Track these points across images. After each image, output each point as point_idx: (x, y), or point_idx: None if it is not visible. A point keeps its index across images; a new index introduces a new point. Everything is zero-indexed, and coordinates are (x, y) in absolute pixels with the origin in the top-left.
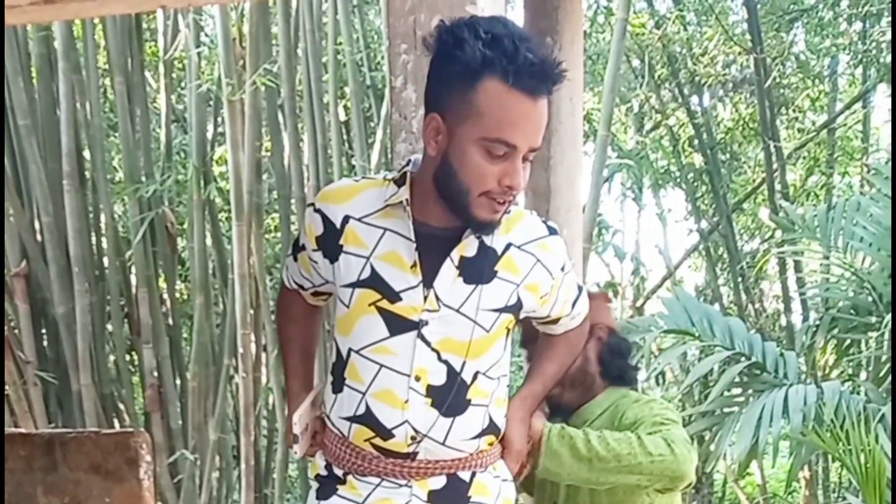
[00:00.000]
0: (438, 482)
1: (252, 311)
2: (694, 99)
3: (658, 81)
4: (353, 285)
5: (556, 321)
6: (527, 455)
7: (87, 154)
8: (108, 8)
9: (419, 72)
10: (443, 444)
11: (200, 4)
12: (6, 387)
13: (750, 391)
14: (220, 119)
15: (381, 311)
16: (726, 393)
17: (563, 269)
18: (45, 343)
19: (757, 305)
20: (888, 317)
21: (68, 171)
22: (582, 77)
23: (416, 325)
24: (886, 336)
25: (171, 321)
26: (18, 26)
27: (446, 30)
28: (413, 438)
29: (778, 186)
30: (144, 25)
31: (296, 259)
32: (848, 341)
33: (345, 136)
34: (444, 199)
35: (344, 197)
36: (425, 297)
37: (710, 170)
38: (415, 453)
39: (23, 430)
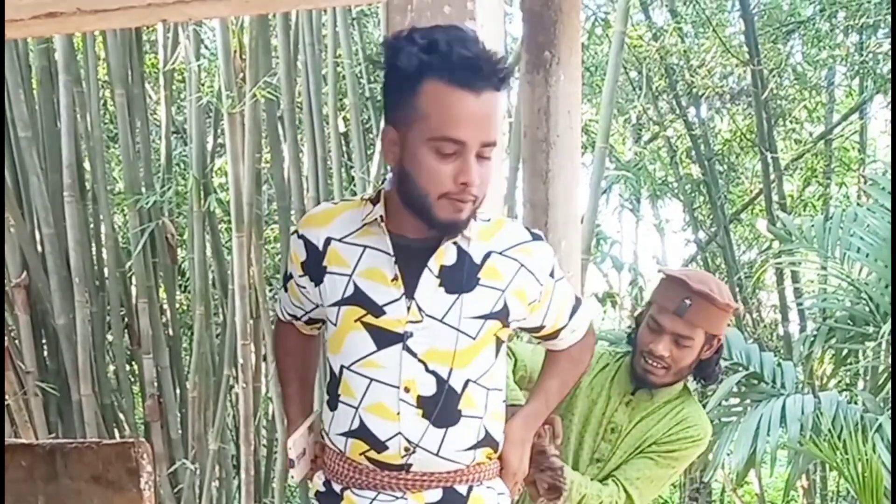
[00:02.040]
0: (434, 495)
1: (252, 322)
2: (691, 110)
3: (656, 93)
4: (339, 303)
5: (554, 335)
6: (526, 476)
7: (87, 165)
8: (108, 21)
9: None
10: (437, 454)
11: (201, 18)
12: (7, 397)
13: (748, 401)
14: (219, 130)
15: (367, 326)
16: (724, 403)
17: (551, 275)
18: (45, 353)
19: (755, 315)
20: (885, 326)
21: (69, 183)
22: (580, 90)
23: (402, 338)
24: (884, 346)
25: (171, 332)
26: (19, 39)
27: (386, 43)
28: (407, 450)
29: (775, 197)
30: (144, 38)
31: (286, 290)
32: (845, 351)
33: (344, 148)
34: (409, 207)
35: (324, 220)
36: (408, 309)
37: (708, 181)
38: (409, 465)
39: (24, 441)
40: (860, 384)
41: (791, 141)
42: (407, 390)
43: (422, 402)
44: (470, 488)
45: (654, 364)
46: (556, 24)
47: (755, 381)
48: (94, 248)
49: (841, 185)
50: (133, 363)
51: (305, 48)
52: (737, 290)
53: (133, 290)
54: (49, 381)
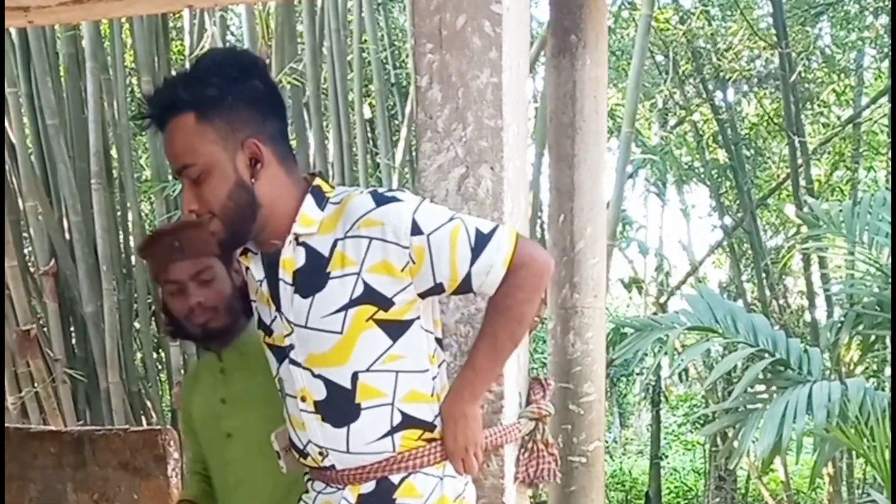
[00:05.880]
0: (368, 486)
1: None
2: (718, 94)
3: (682, 77)
4: (258, 328)
5: (463, 287)
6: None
7: (114, 153)
8: (135, 8)
9: (444, 71)
10: (347, 452)
11: (227, 4)
12: (35, 385)
13: (774, 388)
14: None
15: (268, 346)
16: (750, 389)
17: (416, 231)
18: (73, 341)
19: (781, 302)
20: None
21: (96, 171)
22: (606, 74)
23: (286, 351)
24: None
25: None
26: (46, 26)
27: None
28: (321, 454)
29: (803, 182)
30: (171, 24)
31: None
32: (873, 337)
33: (369, 134)
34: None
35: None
36: (282, 324)
37: (735, 165)
38: (332, 465)
39: (52, 428)
40: (887, 370)
41: (819, 125)
42: (304, 399)
43: (318, 407)
44: (405, 476)
45: None
46: (583, 7)
47: (781, 368)
48: (121, 236)
49: (869, 170)
50: (160, 351)
51: (331, 34)
52: (763, 275)
53: None
54: (77, 369)
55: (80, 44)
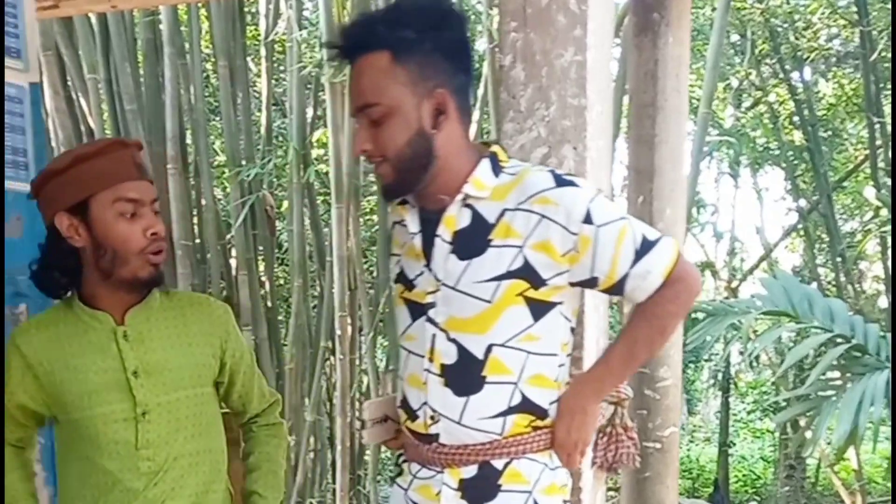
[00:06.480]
0: (470, 471)
1: (349, 293)
2: (795, 74)
3: (758, 57)
4: (395, 282)
5: (616, 286)
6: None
7: (189, 139)
8: None
9: (528, 50)
10: (459, 423)
11: None
12: None
13: (849, 374)
14: (318, 102)
15: (405, 300)
16: (823, 376)
17: (588, 220)
18: None
19: (856, 286)
20: None
21: (172, 156)
22: (688, 53)
23: (426, 308)
24: None
25: (269, 304)
26: (126, 12)
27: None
28: (432, 418)
29: (881, 164)
30: (246, 9)
31: None
32: None
33: None
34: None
35: (394, 208)
36: (429, 280)
37: (811, 147)
38: (436, 435)
39: None
40: None
41: None
42: (431, 360)
43: (445, 370)
44: (509, 462)
45: None
46: None
47: (858, 354)
48: (196, 221)
49: None
50: None
51: None
52: (839, 259)
53: (233, 262)
54: None
55: (158, 29)
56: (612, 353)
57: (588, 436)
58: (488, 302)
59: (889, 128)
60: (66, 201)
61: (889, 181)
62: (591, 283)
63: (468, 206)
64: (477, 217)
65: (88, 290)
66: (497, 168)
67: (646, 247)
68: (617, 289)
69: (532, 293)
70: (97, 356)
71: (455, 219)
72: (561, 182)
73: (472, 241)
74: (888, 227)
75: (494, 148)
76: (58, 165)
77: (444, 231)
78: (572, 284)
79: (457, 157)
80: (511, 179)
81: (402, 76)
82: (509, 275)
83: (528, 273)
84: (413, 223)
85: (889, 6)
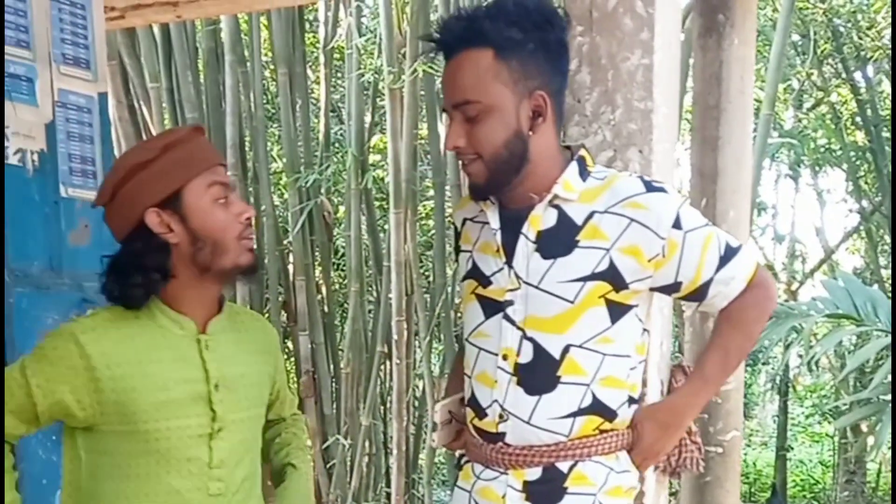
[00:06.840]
0: (534, 473)
1: (405, 298)
2: (857, 74)
3: (820, 57)
4: (464, 278)
5: (699, 292)
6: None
7: (247, 146)
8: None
9: (594, 53)
10: (527, 422)
11: None
12: None
13: None
14: (375, 108)
15: (479, 297)
16: (887, 380)
17: (677, 226)
18: None
19: None
20: None
21: (233, 163)
22: (753, 54)
23: (503, 306)
24: None
25: (326, 308)
26: (187, 22)
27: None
28: (501, 416)
29: None
30: (306, 17)
31: None
32: None
33: None
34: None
35: (464, 204)
36: (509, 278)
37: (874, 148)
38: (503, 434)
39: None
40: None
41: None
42: (505, 358)
43: (518, 369)
44: (574, 465)
45: None
46: None
47: None
48: (254, 227)
49: None
50: (289, 340)
51: None
52: None
53: (290, 267)
54: None
55: (219, 38)
56: (707, 365)
57: (669, 448)
58: (571, 302)
59: None
60: (156, 195)
61: None
62: (673, 287)
63: (555, 206)
64: (563, 218)
65: (172, 292)
66: (584, 172)
67: (730, 253)
68: (699, 294)
69: (613, 296)
70: (179, 364)
71: (541, 218)
72: (651, 188)
73: (558, 242)
74: None
75: (582, 152)
76: (140, 158)
77: (529, 230)
78: (653, 289)
79: (547, 160)
80: (600, 183)
81: (505, 75)
82: (594, 276)
83: (612, 275)
84: (494, 220)
85: None
